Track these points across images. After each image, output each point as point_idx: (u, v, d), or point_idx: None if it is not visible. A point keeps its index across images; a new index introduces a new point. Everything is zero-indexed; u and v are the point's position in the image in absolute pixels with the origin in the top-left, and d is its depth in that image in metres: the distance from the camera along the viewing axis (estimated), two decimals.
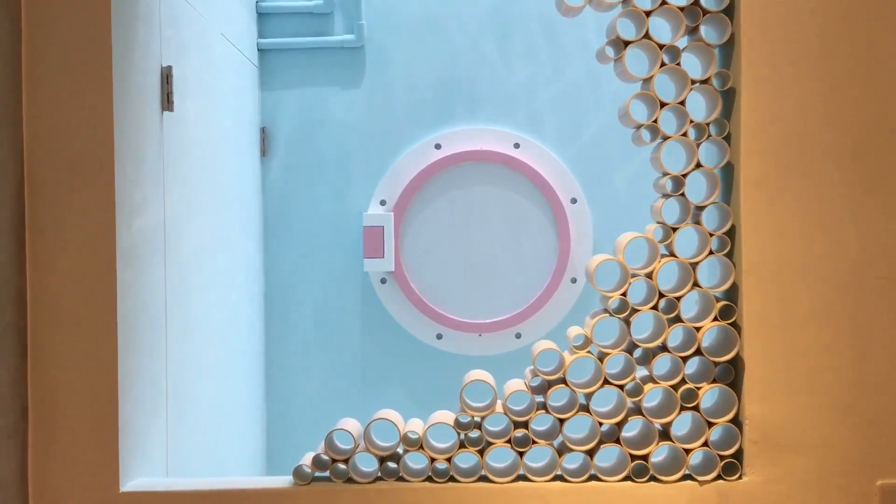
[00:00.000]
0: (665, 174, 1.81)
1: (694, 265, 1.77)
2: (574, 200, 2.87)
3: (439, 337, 2.92)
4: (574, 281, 2.88)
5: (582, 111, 2.88)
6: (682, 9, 1.76)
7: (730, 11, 1.77)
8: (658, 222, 1.82)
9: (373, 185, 2.90)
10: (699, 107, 1.83)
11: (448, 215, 2.90)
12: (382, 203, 2.89)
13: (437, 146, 2.89)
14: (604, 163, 2.88)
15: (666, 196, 1.81)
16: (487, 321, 2.90)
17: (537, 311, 2.88)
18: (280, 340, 2.94)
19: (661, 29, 1.80)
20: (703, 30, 1.79)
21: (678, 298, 1.77)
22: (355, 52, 2.91)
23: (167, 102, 2.02)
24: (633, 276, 1.78)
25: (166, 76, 2.02)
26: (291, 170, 2.92)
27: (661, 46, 1.77)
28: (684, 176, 1.79)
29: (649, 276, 1.78)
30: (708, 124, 1.78)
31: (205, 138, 2.31)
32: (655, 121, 1.78)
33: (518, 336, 2.91)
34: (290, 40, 2.89)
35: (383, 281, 2.91)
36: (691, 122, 1.78)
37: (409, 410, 3.10)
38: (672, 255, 1.79)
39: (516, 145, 2.88)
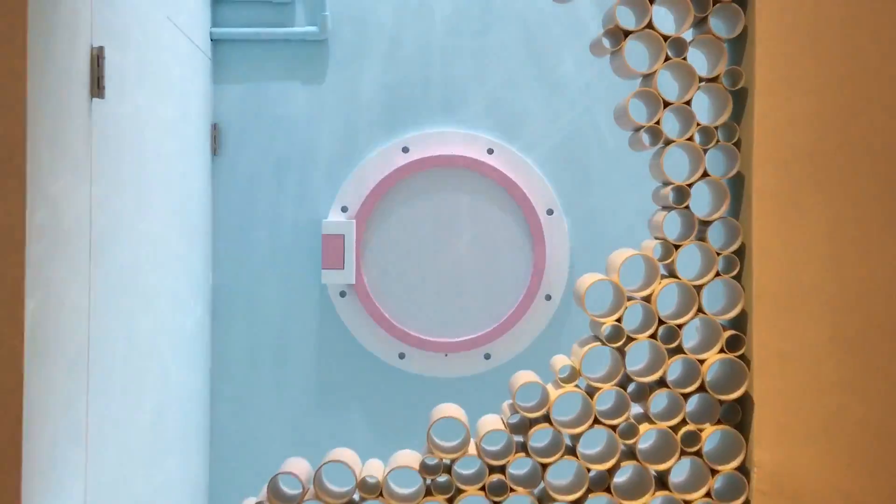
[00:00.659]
0: (667, 183, 1.55)
1: (698, 288, 1.52)
2: (550, 211, 2.62)
3: (402, 356, 2.64)
4: (549, 298, 2.63)
5: (561, 116, 2.63)
6: None
7: (742, 1, 1.53)
8: (658, 238, 1.57)
9: (334, 189, 2.62)
10: (706, 108, 1.58)
11: (414, 224, 2.63)
12: (344, 210, 2.61)
13: (405, 150, 2.62)
14: (583, 171, 2.63)
15: (667, 208, 1.56)
16: (454, 340, 2.63)
17: (508, 330, 2.62)
18: (227, 359, 2.64)
19: (664, 20, 1.56)
20: (711, 21, 1.54)
21: (680, 326, 1.51)
22: (318, 46, 2.63)
23: (97, 88, 1.72)
24: (629, 299, 1.52)
25: (97, 58, 1.72)
26: (245, 171, 2.62)
27: (665, 38, 1.52)
28: (689, 186, 1.54)
29: (647, 299, 1.52)
30: (716, 128, 1.53)
31: (144, 131, 2.01)
32: (658, 122, 1.53)
33: (487, 357, 2.64)
34: (247, 31, 2.60)
35: (342, 294, 2.62)
36: (698, 125, 1.53)
37: (367, 437, 2.84)
38: (673, 276, 1.54)
39: (490, 151, 2.62)
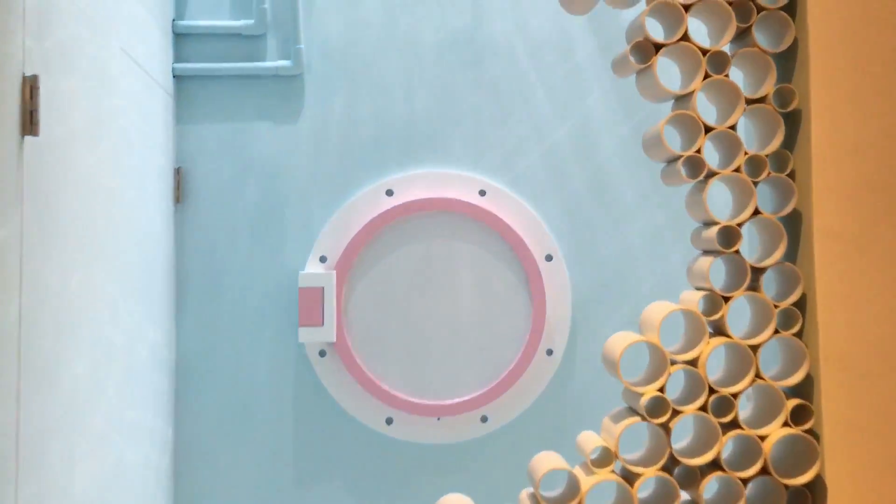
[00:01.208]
0: (710, 223, 1.28)
1: (753, 348, 1.24)
2: (549, 257, 2.34)
3: (389, 422, 2.33)
4: (550, 353, 2.34)
5: (558, 152, 2.37)
6: (731, 3, 1.26)
7: (791, 8, 1.28)
8: (701, 289, 1.29)
9: (311, 238, 2.33)
10: (751, 134, 1.32)
11: (401, 275, 2.34)
12: (322, 260, 2.31)
13: (389, 193, 2.34)
14: (584, 212, 2.37)
15: (712, 253, 1.29)
16: (447, 402, 2.32)
17: (507, 390, 2.32)
18: (193, 425, 2.31)
19: (696, 34, 1.30)
20: (756, 32, 1.29)
21: (734, 395, 1.23)
22: (292, 82, 2.36)
23: (29, 124, 1.42)
24: (673, 363, 1.24)
25: (30, 89, 1.43)
26: (212, 219, 2.32)
27: (704, 52, 1.26)
28: (739, 226, 1.27)
29: (693, 363, 1.24)
30: (766, 157, 1.27)
31: (91, 176, 1.71)
32: (698, 151, 1.26)
33: (484, 419, 2.33)
34: (214, 66, 2.33)
35: (322, 353, 2.31)
36: (745, 153, 1.27)
37: None
38: (723, 334, 1.26)
39: (482, 193, 2.35)
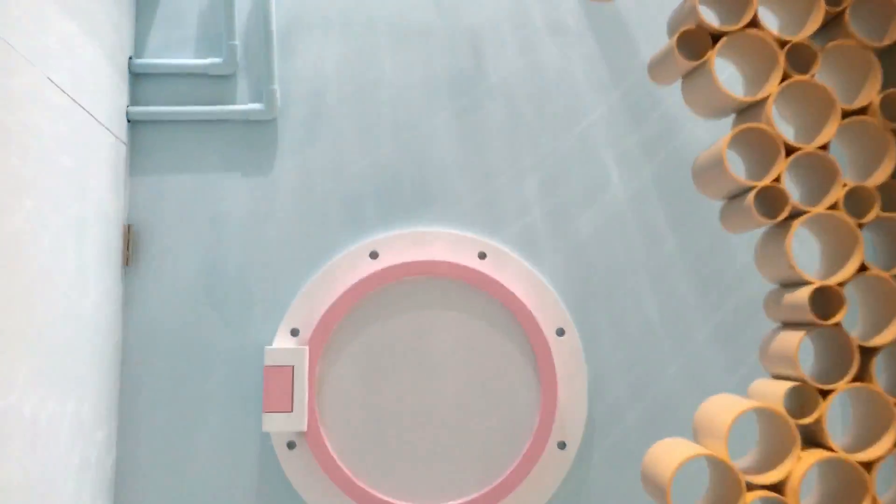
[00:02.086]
0: (796, 283, 0.88)
1: (867, 466, 0.82)
2: (561, 331, 1.93)
3: None
4: (563, 447, 1.90)
5: (571, 208, 1.99)
6: None
7: None
8: (785, 378, 0.88)
9: (281, 307, 1.93)
10: (850, 158, 0.93)
11: (386, 352, 1.93)
12: (294, 333, 1.91)
13: (373, 255, 1.95)
14: (602, 278, 1.97)
15: (800, 327, 0.88)
16: None
17: (513, 490, 1.87)
18: None
19: (767, 19, 0.93)
20: (851, 21, 0.91)
21: None
22: (264, 127, 2.00)
23: None
24: (750, 487, 0.82)
25: None
26: (166, 285, 1.93)
27: (782, 44, 0.88)
28: (840, 286, 0.87)
29: (779, 489, 0.82)
30: (877, 190, 0.88)
31: (14, 236, 1.33)
32: (777, 180, 0.87)
33: None
34: (175, 109, 1.97)
35: (291, 445, 1.89)
36: (844, 185, 0.87)
37: None
38: (819, 444, 0.84)
39: (482, 255, 1.96)
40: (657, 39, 2.01)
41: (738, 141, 0.89)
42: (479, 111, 2.02)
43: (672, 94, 2.03)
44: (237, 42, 1.99)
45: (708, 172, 0.91)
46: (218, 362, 1.91)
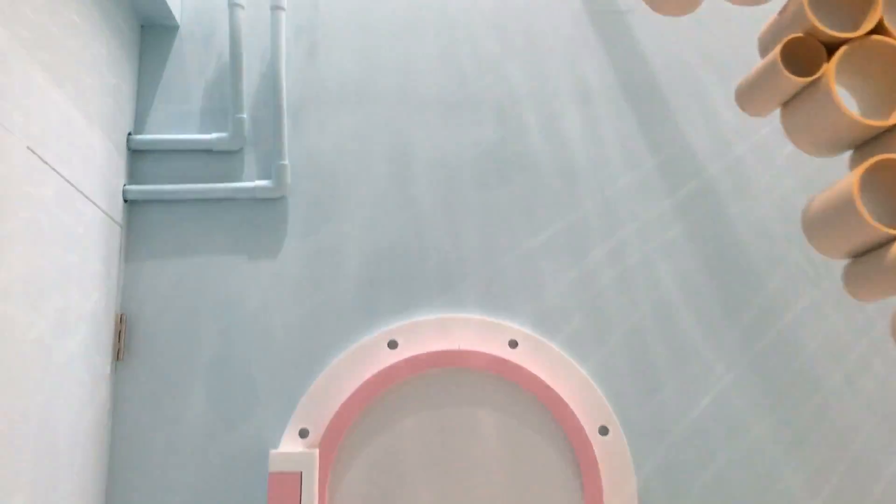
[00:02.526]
0: None
1: None
2: (605, 430, 1.69)
3: None
4: None
5: (612, 291, 1.77)
6: None
7: None
8: None
9: (289, 405, 1.70)
10: None
11: (407, 454, 1.69)
12: (303, 434, 1.67)
13: (392, 345, 1.73)
14: (649, 370, 1.73)
15: None
16: None
17: None
18: None
19: None
20: None
21: None
22: (272, 206, 1.81)
23: None
24: None
25: None
26: (161, 380, 1.71)
27: None
28: None
29: None
30: None
31: None
32: None
33: None
34: (177, 188, 1.79)
35: None
36: None
37: None
38: None
39: (513, 344, 1.73)
40: (692, 106, 1.85)
41: (865, 180, 0.68)
42: (506, 185, 1.83)
43: (718, 162, 1.84)
44: (245, 115, 1.83)
45: (831, 222, 0.69)
46: (217, 468, 1.67)
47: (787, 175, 1.87)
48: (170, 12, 1.87)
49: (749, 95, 0.79)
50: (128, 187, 1.78)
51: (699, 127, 1.89)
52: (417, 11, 1.95)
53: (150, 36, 1.89)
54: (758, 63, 0.76)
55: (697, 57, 1.94)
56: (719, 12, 1.97)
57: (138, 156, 1.82)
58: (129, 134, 1.81)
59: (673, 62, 1.94)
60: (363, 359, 1.72)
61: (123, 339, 1.71)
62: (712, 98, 1.91)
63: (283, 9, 1.86)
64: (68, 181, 1.49)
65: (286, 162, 1.81)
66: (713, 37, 1.97)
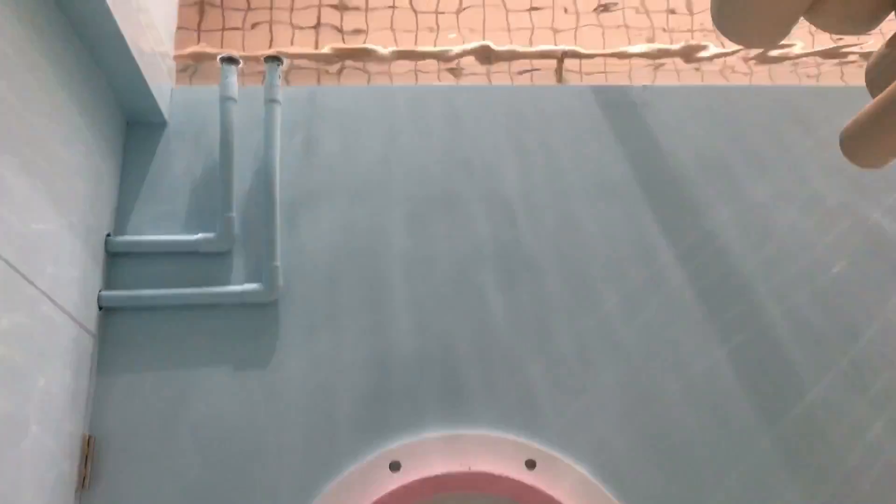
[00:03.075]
0: None
1: None
2: None
3: None
4: None
5: (642, 404, 1.58)
6: None
7: None
8: None
9: None
10: None
11: None
12: None
13: (394, 467, 1.51)
14: (687, 491, 1.52)
15: None
16: None
17: None
18: None
19: None
20: None
21: None
22: (262, 312, 1.63)
23: None
24: None
25: None
26: None
27: None
28: None
29: None
30: None
31: None
32: None
33: None
34: (157, 293, 1.61)
35: None
36: None
37: None
38: None
39: (530, 464, 1.52)
40: (717, 198, 1.71)
41: None
42: (516, 287, 1.66)
43: (745, 257, 1.69)
44: (234, 214, 1.67)
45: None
46: None
47: (827, 265, 1.71)
48: (158, 109, 1.75)
49: (861, 144, 0.64)
50: (103, 293, 1.60)
51: (725, 221, 1.75)
52: (422, 106, 1.83)
53: (135, 133, 1.76)
54: (868, 104, 0.63)
55: (719, 149, 1.82)
56: (732, 104, 1.87)
57: (117, 259, 1.65)
58: (108, 235, 1.64)
59: (696, 155, 1.81)
60: (362, 483, 1.50)
61: (90, 464, 1.49)
62: (739, 189, 1.78)
63: (278, 102, 1.73)
64: (37, 287, 1.31)
65: (278, 263, 1.64)
66: (730, 129, 1.85)
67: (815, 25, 0.77)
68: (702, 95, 1.89)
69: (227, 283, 1.65)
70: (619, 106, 1.86)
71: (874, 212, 1.77)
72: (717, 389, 1.59)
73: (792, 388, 1.60)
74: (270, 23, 2.01)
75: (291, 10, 2.03)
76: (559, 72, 2.01)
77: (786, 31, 0.78)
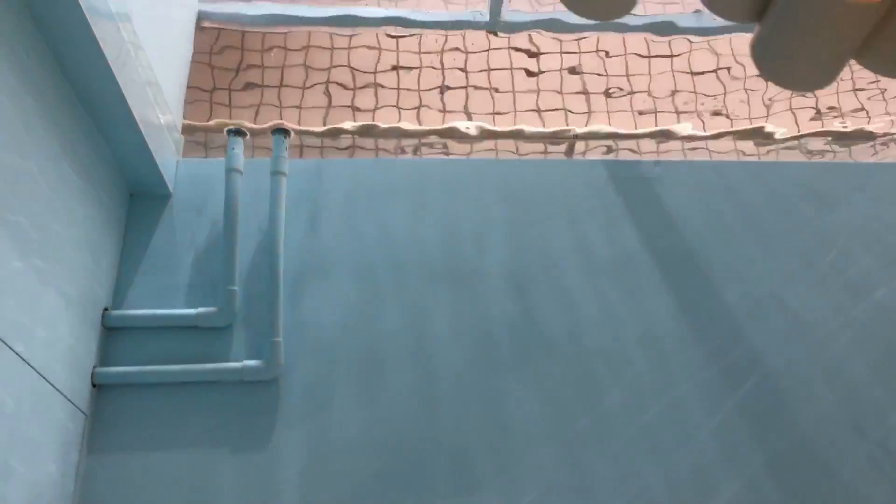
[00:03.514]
0: None
1: None
2: None
3: None
4: None
5: (664, 494, 1.48)
6: None
7: None
8: None
9: None
10: None
11: None
12: None
13: None
14: None
15: None
16: None
17: None
18: None
19: None
20: None
21: None
22: (262, 390, 1.54)
23: None
24: None
25: None
26: None
27: None
28: None
29: None
30: None
31: None
32: None
33: None
34: (154, 369, 1.53)
35: None
36: None
37: None
38: None
39: None
40: (741, 276, 1.65)
41: None
42: (528, 367, 1.58)
43: (771, 341, 1.61)
44: (237, 287, 1.61)
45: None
46: None
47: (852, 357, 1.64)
48: (162, 180, 1.70)
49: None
50: (98, 370, 1.52)
51: (735, 300, 1.68)
52: (425, 180, 1.80)
53: (138, 204, 1.71)
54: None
55: (729, 223, 1.78)
56: (740, 182, 1.83)
57: (113, 334, 1.57)
58: (106, 310, 1.57)
59: (707, 229, 1.76)
60: None
61: None
62: (749, 263, 1.72)
63: (284, 174, 1.69)
64: (29, 364, 1.24)
65: (280, 339, 1.56)
66: (741, 203, 1.81)
67: (865, 68, 0.73)
68: (714, 170, 1.86)
69: (227, 359, 1.57)
70: (628, 181, 1.82)
71: (879, 290, 1.71)
72: (730, 467, 1.50)
73: (817, 471, 1.51)
74: (280, 107, 2.00)
75: (303, 91, 2.02)
76: (570, 148, 1.98)
77: (835, 74, 0.74)
